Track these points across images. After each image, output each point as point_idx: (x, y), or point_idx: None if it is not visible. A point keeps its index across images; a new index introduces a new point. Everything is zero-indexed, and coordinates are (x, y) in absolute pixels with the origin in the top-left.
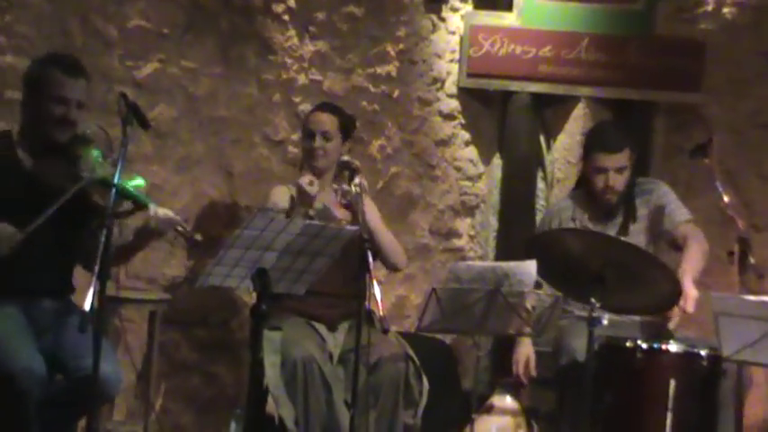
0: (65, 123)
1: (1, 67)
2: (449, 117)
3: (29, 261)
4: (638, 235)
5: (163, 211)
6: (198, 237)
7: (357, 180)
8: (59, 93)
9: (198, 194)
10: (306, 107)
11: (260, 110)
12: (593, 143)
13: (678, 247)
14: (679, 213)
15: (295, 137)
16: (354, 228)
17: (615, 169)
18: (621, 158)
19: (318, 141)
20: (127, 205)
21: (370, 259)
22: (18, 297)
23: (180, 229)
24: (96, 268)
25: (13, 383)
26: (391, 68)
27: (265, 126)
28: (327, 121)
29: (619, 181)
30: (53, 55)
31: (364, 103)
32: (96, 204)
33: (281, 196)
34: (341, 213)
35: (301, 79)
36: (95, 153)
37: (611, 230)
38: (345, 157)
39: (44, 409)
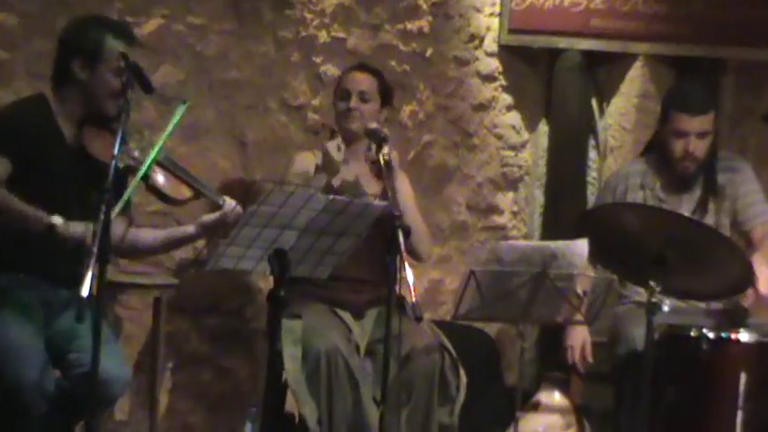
0: (119, 97)
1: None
2: (488, 78)
3: (58, 247)
4: (718, 214)
5: (234, 203)
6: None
7: (386, 150)
8: (120, 64)
9: (208, 166)
10: (327, 68)
11: (276, 71)
12: (674, 102)
13: (749, 244)
14: (762, 209)
15: (316, 102)
16: (383, 204)
17: (697, 134)
18: (705, 122)
19: (354, 101)
20: (184, 192)
21: (402, 239)
22: (39, 283)
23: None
24: (94, 249)
25: (19, 396)
26: (424, 24)
27: (282, 89)
28: (366, 81)
29: (700, 147)
30: (106, 20)
31: (393, 63)
32: (156, 189)
33: (305, 163)
34: (374, 187)
35: (322, 37)
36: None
37: (688, 204)
38: (372, 125)
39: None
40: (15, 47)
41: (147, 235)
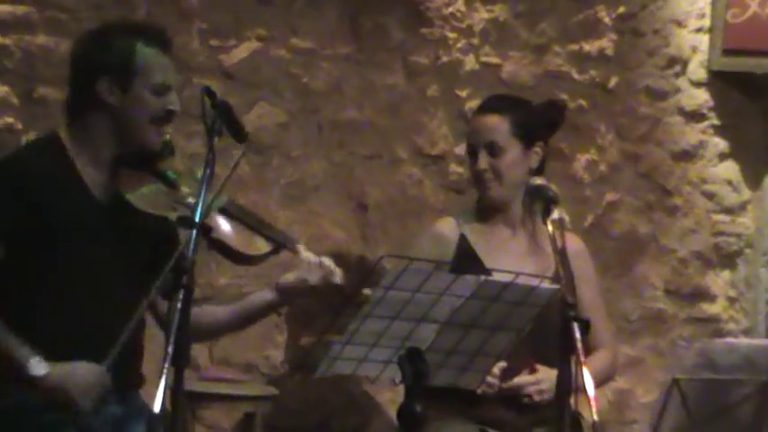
0: (165, 122)
1: (28, 50)
2: (695, 117)
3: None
4: None
5: (317, 257)
6: (367, 292)
7: (555, 215)
8: (162, 79)
9: (316, 236)
10: (475, 104)
11: (408, 109)
12: None
13: None
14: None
15: (460, 149)
16: (554, 287)
17: None
18: None
19: (483, 160)
20: (259, 246)
21: (578, 335)
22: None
23: (337, 282)
24: (169, 349)
25: None
26: (605, 44)
27: (416, 133)
28: (493, 126)
29: None
30: (136, 24)
31: (564, 96)
32: (223, 244)
33: (447, 233)
34: (537, 265)
35: (469, 63)
36: (183, 168)
37: None
38: (538, 181)
39: None
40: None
41: (216, 312)
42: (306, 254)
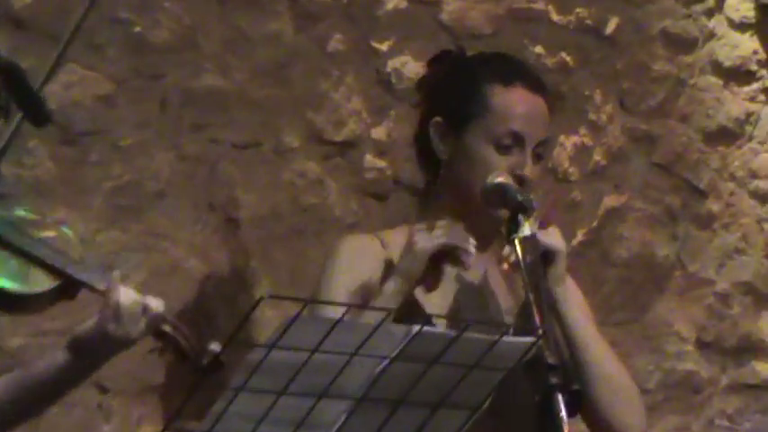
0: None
1: (196, 92)
2: (738, 76)
3: None
4: None
5: (133, 296)
6: (214, 347)
7: (527, 231)
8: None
9: (159, 267)
10: (402, 62)
11: (299, 72)
12: None
13: None
14: None
15: (380, 131)
16: (525, 339)
17: None
18: None
19: (529, 167)
20: (39, 280)
21: (563, 411)
22: None
23: (168, 330)
24: None
25: None
26: None
27: (312, 109)
28: (546, 115)
29: None
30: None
31: (538, 49)
32: None
33: (364, 259)
34: (507, 301)
35: None
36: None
37: None
38: (498, 178)
39: None
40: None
41: None
42: (116, 291)
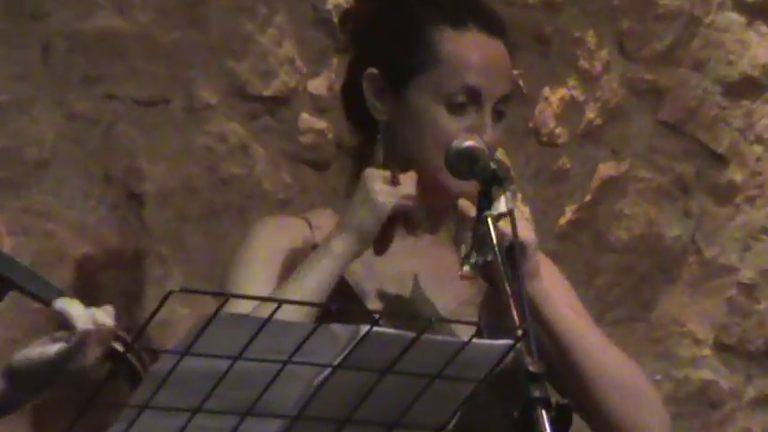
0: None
1: (86, 36)
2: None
3: None
4: None
5: (83, 309)
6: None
7: (502, 207)
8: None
9: (43, 255)
10: None
11: (214, 9)
12: None
13: None
14: None
15: (318, 85)
16: (503, 342)
17: None
18: None
19: (490, 129)
20: None
21: (549, 430)
22: None
23: (120, 349)
24: None
25: None
26: None
27: (231, 56)
28: (507, 64)
29: None
30: None
31: None
32: None
33: (289, 243)
34: (462, 295)
35: None
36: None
37: None
38: (468, 141)
39: None
40: None
41: None
42: (79, 317)
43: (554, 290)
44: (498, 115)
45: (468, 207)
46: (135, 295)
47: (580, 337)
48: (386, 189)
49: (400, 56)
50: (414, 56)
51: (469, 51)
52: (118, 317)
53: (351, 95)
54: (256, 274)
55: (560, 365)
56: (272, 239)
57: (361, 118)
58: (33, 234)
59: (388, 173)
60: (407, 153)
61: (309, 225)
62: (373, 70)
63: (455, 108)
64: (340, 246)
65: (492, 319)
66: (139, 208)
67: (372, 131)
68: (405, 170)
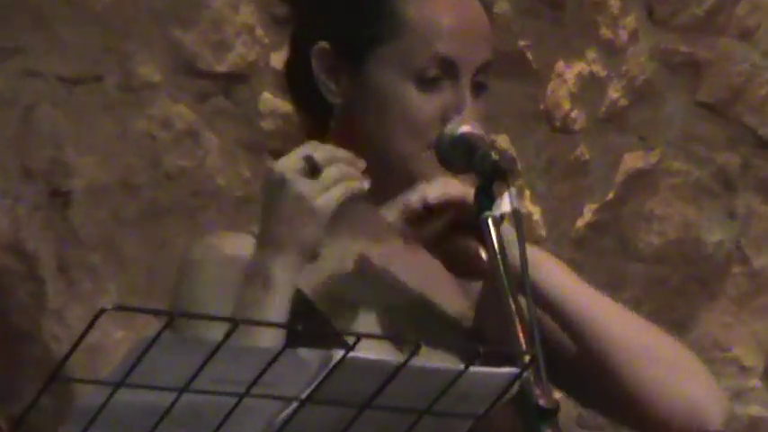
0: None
1: None
2: None
3: None
4: None
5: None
6: None
7: (506, 206)
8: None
9: None
10: None
11: None
12: None
13: None
14: None
15: (280, 58)
16: (510, 371)
17: None
18: None
19: (470, 108)
20: None
21: None
22: None
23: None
24: None
25: None
26: None
27: (179, 25)
28: (487, 27)
29: None
30: None
31: None
32: None
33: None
34: (453, 306)
35: None
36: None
37: None
38: (464, 127)
39: None
40: None
41: None
42: None
43: (543, 258)
44: (479, 88)
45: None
46: (59, 314)
47: (589, 303)
48: (316, 186)
49: (356, 25)
50: (372, 24)
51: (439, 14)
52: (26, 338)
53: (297, 75)
54: (206, 303)
55: (577, 349)
56: (217, 268)
57: (311, 102)
58: None
59: (301, 162)
60: (369, 141)
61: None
62: (323, 44)
63: (426, 84)
64: (280, 274)
65: (487, 334)
66: (65, 208)
67: (324, 118)
68: (368, 167)
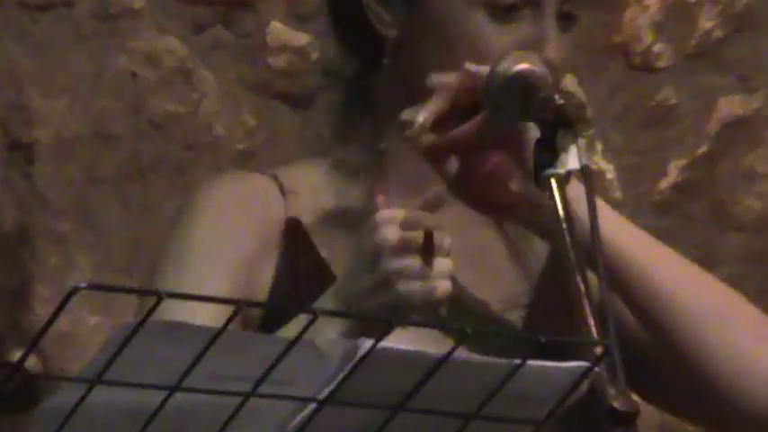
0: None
1: None
2: None
3: None
4: None
5: None
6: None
7: (573, 162)
8: None
9: None
10: None
11: None
12: None
13: None
14: None
15: None
16: (573, 365)
17: None
18: None
19: (554, 43)
20: None
21: None
22: None
23: None
24: None
25: None
26: None
27: None
28: None
29: None
30: None
31: None
32: None
33: (252, 223)
34: (505, 292)
35: None
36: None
37: None
38: (523, 63)
39: None
40: None
41: None
42: None
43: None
44: (566, 21)
45: None
46: (19, 294)
47: (690, 286)
48: (411, 267)
49: None
50: None
51: None
52: None
53: (342, 3)
54: (203, 267)
55: (659, 337)
56: (225, 213)
57: (358, 35)
58: None
59: (403, 214)
60: (428, 83)
61: (281, 187)
62: None
63: (501, 13)
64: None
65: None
66: (28, 164)
67: (376, 54)
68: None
